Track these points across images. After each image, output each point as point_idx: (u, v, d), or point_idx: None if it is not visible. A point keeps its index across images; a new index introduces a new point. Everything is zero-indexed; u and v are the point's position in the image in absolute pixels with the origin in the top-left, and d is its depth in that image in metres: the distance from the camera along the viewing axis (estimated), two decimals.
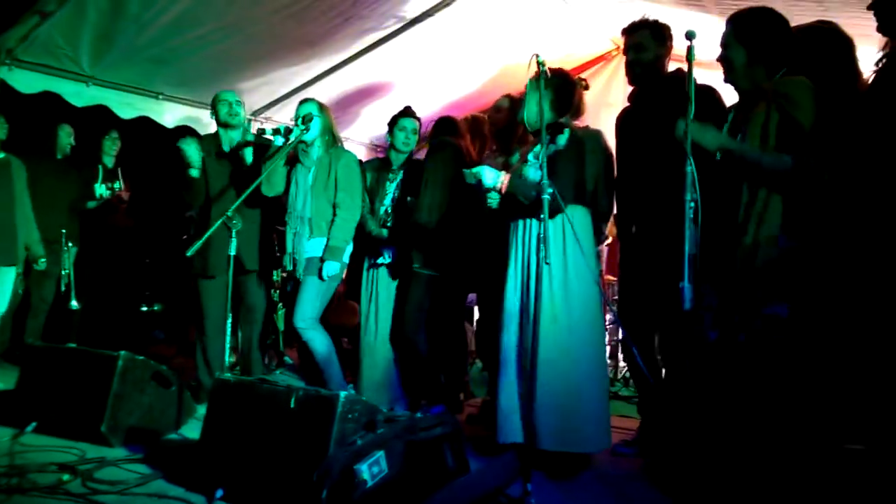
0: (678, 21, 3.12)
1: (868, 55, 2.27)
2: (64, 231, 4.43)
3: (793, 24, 2.54)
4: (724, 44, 2.38)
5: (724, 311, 2.23)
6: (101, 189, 4.76)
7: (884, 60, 2.05)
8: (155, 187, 5.44)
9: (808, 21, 2.56)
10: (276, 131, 3.37)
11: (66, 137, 4.63)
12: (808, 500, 2.03)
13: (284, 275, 3.75)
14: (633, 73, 3.10)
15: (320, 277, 3.35)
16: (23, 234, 4.01)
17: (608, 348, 5.02)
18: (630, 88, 3.23)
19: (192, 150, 3.55)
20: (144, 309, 5.63)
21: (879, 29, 2.06)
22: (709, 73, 2.87)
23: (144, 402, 3.03)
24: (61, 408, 2.97)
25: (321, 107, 3.54)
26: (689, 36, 2.13)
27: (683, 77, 2.68)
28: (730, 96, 2.63)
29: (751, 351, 2.13)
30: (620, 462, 3.01)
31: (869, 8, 2.07)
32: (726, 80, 2.43)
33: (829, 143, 2.07)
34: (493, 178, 2.78)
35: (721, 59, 2.38)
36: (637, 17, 3.11)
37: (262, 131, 3.49)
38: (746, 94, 2.39)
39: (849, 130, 2.05)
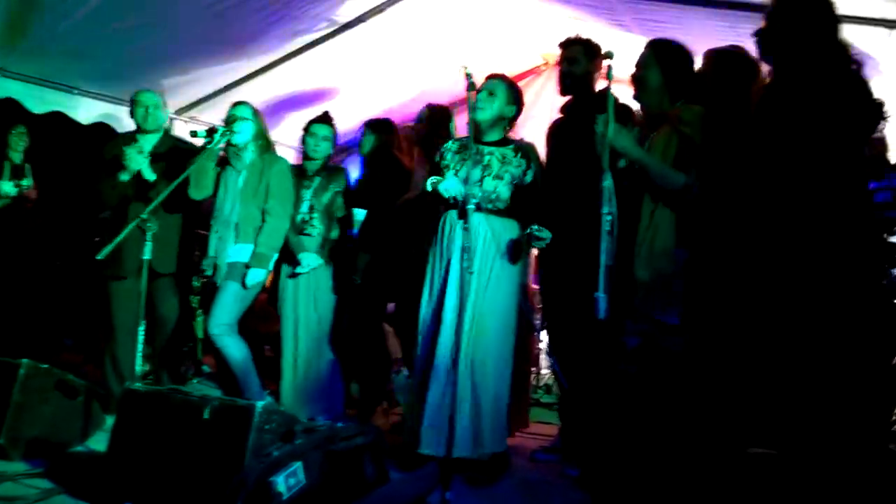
0: (604, 40, 3.26)
1: None
2: None
3: (707, 47, 2.70)
4: (642, 64, 2.51)
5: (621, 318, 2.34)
6: (6, 186, 4.48)
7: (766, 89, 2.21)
8: (67, 186, 5.16)
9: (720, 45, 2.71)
10: (208, 132, 3.25)
11: None
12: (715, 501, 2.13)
13: (204, 280, 3.62)
14: (563, 84, 3.24)
15: (243, 285, 3.26)
16: None
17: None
18: (557, 102, 3.34)
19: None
20: (53, 314, 5.31)
21: (760, 55, 2.22)
22: (630, 90, 3.02)
23: (48, 413, 2.85)
24: None
25: (255, 111, 3.46)
26: (608, 55, 2.22)
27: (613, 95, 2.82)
28: None
29: (643, 357, 2.24)
30: (540, 468, 3.07)
31: (753, 35, 2.23)
32: (636, 98, 2.56)
33: (710, 165, 2.22)
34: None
35: (636, 78, 2.51)
36: (569, 33, 3.25)
37: (193, 133, 3.36)
38: (651, 116, 2.53)
39: (726, 152, 2.20)
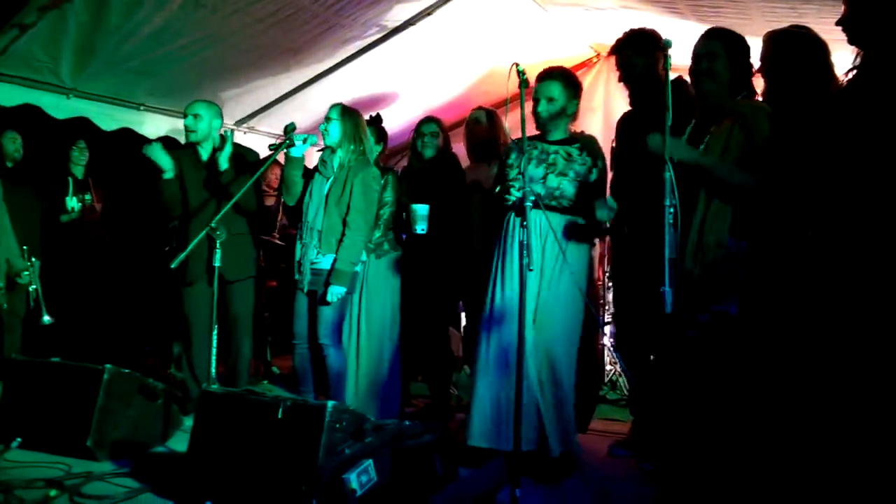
0: (656, 27, 3.20)
1: (842, 60, 2.32)
2: (25, 248, 4.12)
3: (767, 29, 2.61)
4: (712, 55, 2.42)
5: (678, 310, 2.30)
6: (72, 202, 4.67)
7: (854, 71, 2.10)
8: (135, 199, 5.38)
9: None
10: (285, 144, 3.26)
11: (10, 144, 4.36)
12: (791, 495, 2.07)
13: (275, 283, 3.70)
14: (627, 87, 3.21)
15: (324, 301, 3.23)
16: (2, 247, 3.93)
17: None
18: (612, 93, 3.32)
19: (157, 154, 3.50)
20: (131, 321, 5.55)
21: (850, 41, 2.11)
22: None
23: (130, 416, 3.01)
24: (46, 422, 2.94)
25: (343, 110, 3.35)
26: (667, 45, 2.18)
27: (681, 84, 2.77)
28: None
29: (702, 347, 2.20)
30: (613, 463, 3.04)
31: (837, 24, 2.13)
32: (697, 90, 2.48)
33: (785, 159, 2.15)
34: None
35: (699, 70, 2.43)
36: (619, 24, 3.18)
37: (273, 146, 3.35)
38: (712, 109, 2.45)
39: (813, 138, 2.11)
